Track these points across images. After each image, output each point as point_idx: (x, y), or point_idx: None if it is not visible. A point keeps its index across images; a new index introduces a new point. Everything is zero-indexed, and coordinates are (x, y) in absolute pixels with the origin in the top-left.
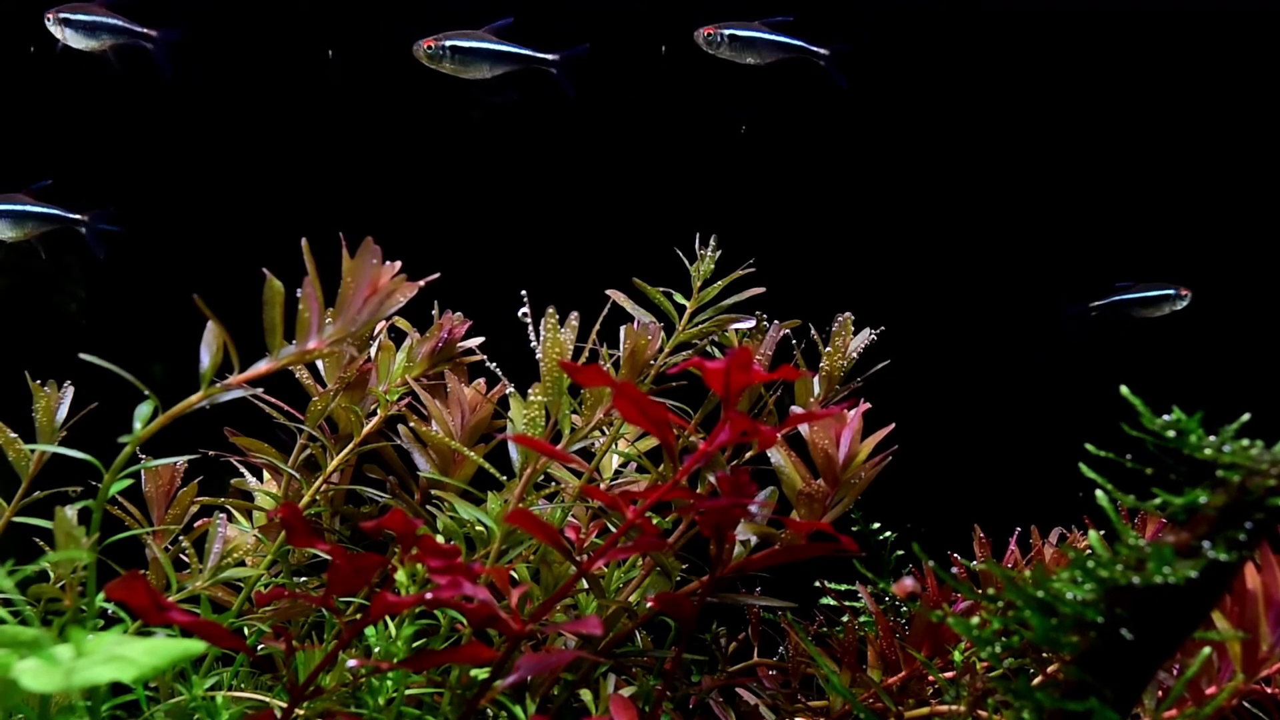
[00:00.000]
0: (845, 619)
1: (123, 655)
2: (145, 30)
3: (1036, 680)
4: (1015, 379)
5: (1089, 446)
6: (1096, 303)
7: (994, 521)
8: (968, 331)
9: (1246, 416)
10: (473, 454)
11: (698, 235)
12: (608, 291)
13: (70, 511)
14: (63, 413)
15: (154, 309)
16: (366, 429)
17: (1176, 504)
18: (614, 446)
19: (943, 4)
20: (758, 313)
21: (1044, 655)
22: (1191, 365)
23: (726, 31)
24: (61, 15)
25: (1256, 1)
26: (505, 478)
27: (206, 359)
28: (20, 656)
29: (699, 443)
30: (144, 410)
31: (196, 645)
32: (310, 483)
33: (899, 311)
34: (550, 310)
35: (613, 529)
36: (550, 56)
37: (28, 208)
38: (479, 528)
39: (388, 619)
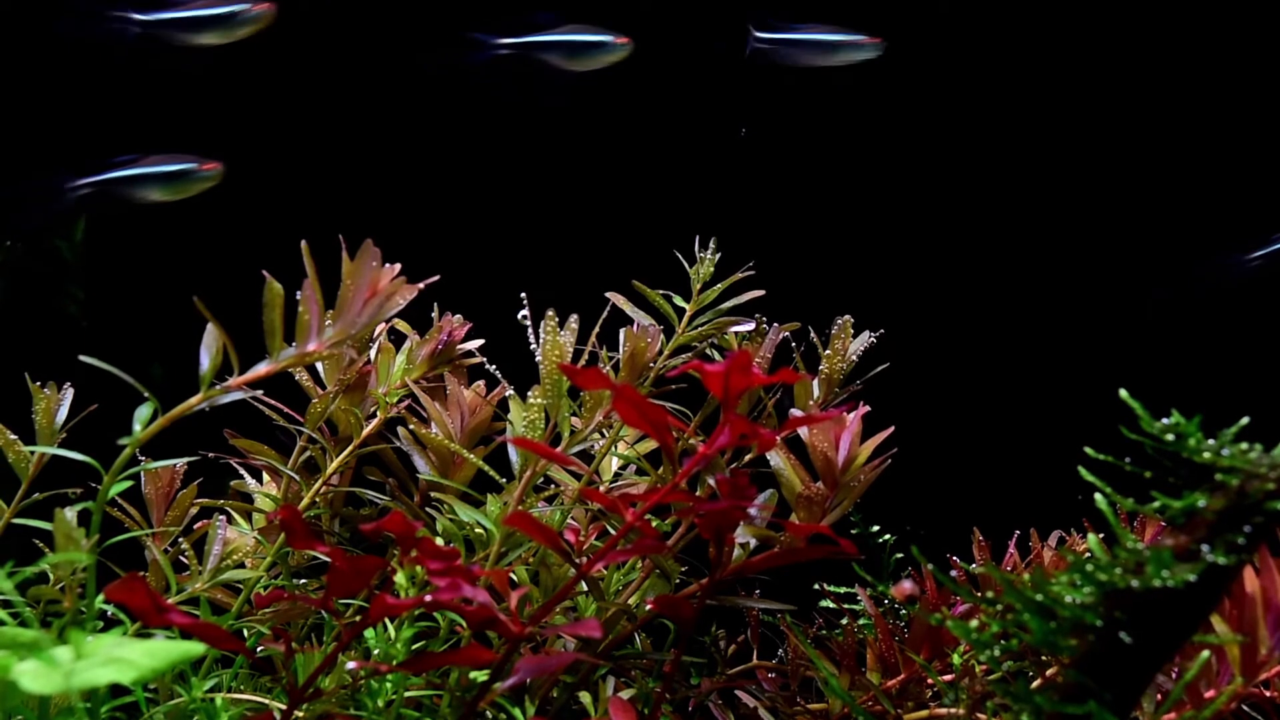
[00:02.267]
0: (844, 622)
1: (122, 657)
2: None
3: (1035, 683)
4: (1015, 381)
5: (1088, 450)
6: (1261, 252)
7: (993, 524)
8: (967, 334)
9: (1245, 420)
10: (472, 456)
11: (697, 238)
12: (607, 294)
13: (70, 513)
14: (62, 414)
15: (154, 311)
16: (366, 431)
17: (1175, 507)
18: (613, 449)
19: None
20: (757, 315)
21: (1043, 658)
22: (1191, 367)
23: (778, 35)
24: None
25: None
26: (505, 480)
27: (206, 361)
28: (20, 658)
29: (699, 445)
30: (144, 412)
31: (196, 647)
32: (310, 485)
33: (898, 314)
34: (550, 313)
35: (612, 531)
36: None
37: None
38: (478, 530)
39: (387, 621)
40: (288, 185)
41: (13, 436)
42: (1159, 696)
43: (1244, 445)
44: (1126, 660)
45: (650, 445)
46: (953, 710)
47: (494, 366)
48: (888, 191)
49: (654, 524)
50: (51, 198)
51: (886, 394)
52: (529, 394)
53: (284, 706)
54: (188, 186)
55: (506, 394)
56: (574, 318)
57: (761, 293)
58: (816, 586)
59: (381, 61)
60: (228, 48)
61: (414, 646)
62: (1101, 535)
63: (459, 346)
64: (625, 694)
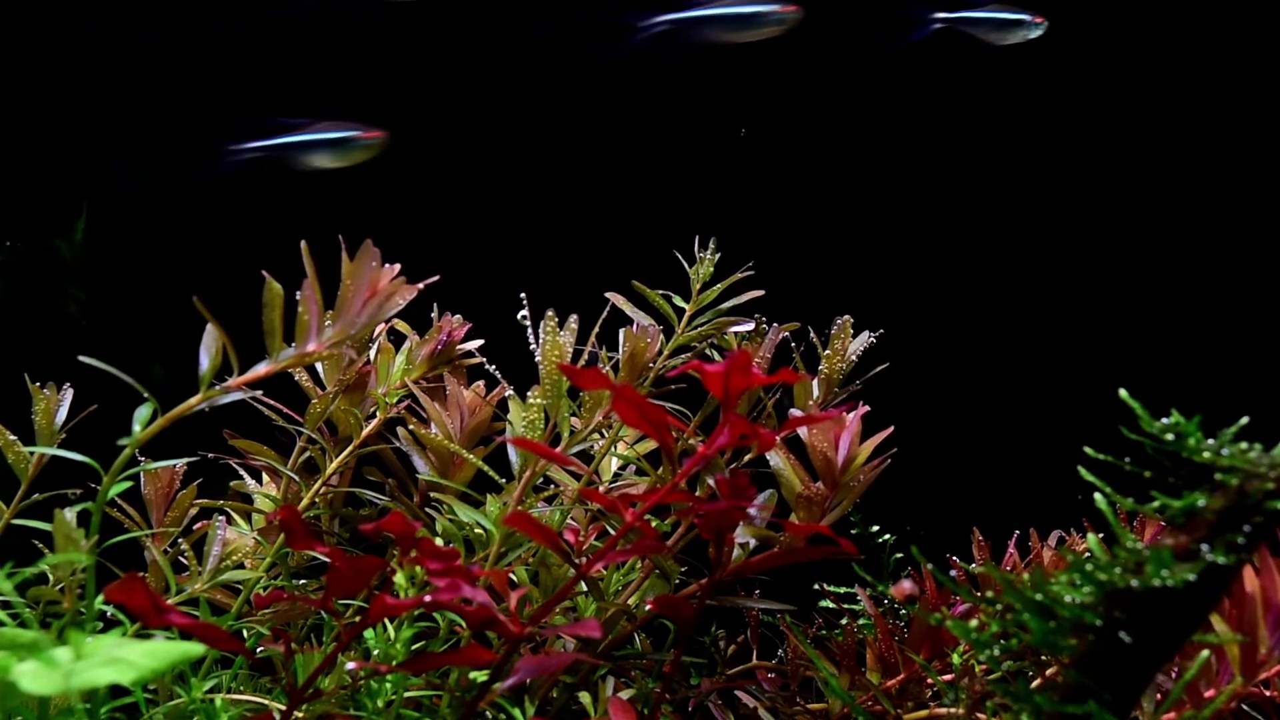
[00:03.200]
0: (844, 622)
1: (122, 658)
2: None
3: (1035, 683)
4: (1014, 381)
5: (1088, 449)
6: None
7: (993, 524)
8: (967, 334)
9: (1245, 420)
10: (472, 456)
11: (697, 238)
12: (607, 294)
13: (69, 514)
14: (62, 415)
15: (154, 311)
16: (366, 431)
17: (1175, 507)
18: (613, 449)
19: None
20: (757, 315)
21: (1043, 658)
22: (1191, 368)
23: (953, 14)
24: None
25: None
26: (504, 480)
27: (206, 361)
28: (19, 659)
29: (698, 445)
30: (143, 413)
31: (195, 648)
32: (309, 485)
33: (898, 314)
34: (549, 313)
35: (612, 532)
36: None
37: None
38: (478, 530)
39: (387, 621)
40: (288, 185)
41: (12, 437)
42: (1159, 696)
43: (1244, 445)
44: (1126, 660)
45: (650, 445)
46: (952, 710)
47: (494, 366)
48: (887, 191)
49: (654, 524)
50: (215, 160)
51: (886, 394)
52: (528, 394)
53: (284, 707)
54: (350, 154)
55: (506, 394)
56: (574, 318)
57: (761, 293)
58: (816, 586)
59: (381, 61)
60: (230, 47)
61: (414, 647)
62: (1101, 535)
63: (459, 346)
64: (625, 694)
